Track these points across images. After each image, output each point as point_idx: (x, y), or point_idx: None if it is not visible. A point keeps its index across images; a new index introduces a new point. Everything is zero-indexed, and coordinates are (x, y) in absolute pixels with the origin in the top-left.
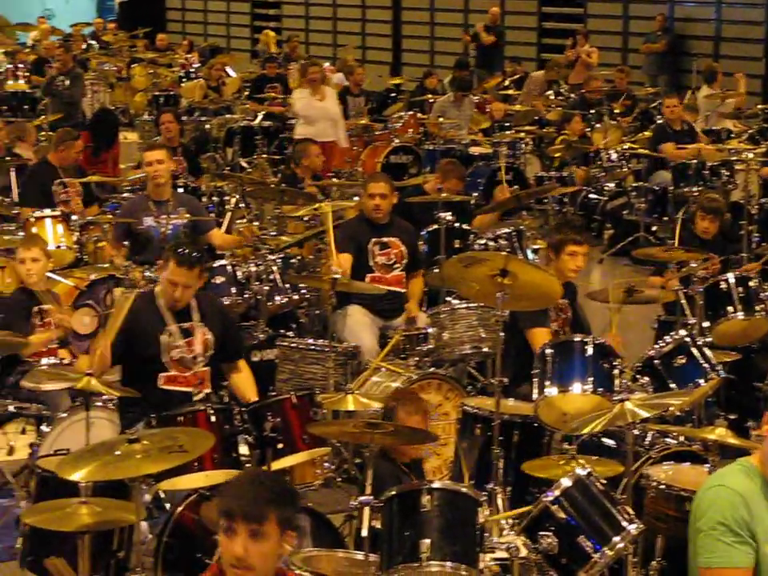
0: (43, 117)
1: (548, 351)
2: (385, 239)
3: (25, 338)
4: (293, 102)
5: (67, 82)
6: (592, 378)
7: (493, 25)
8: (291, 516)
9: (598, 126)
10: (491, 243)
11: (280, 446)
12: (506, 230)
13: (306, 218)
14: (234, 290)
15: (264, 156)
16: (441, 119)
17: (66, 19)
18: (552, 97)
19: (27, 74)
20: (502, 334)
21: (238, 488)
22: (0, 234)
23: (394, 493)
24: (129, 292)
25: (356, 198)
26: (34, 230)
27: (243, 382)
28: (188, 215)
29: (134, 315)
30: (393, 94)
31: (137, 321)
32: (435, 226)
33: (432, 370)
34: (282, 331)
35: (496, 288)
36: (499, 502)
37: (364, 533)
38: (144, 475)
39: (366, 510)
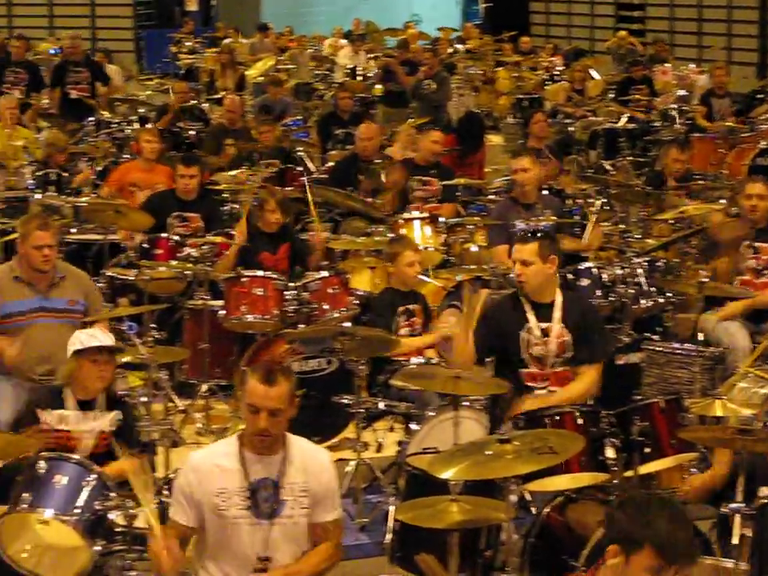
0: (411, 120)
1: None
2: (756, 244)
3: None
4: None
5: (434, 86)
6: None
7: None
8: None
9: None
10: None
11: (647, 450)
12: None
13: (671, 221)
14: (599, 292)
15: (628, 158)
16: None
17: (433, 24)
18: None
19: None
20: None
21: (674, 532)
22: (371, 236)
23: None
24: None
25: (722, 201)
26: (402, 231)
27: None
28: (554, 217)
29: (498, 313)
30: (759, 95)
31: (501, 319)
32: None
33: None
34: (647, 335)
35: None
36: None
37: (735, 540)
38: (513, 475)
39: (737, 518)
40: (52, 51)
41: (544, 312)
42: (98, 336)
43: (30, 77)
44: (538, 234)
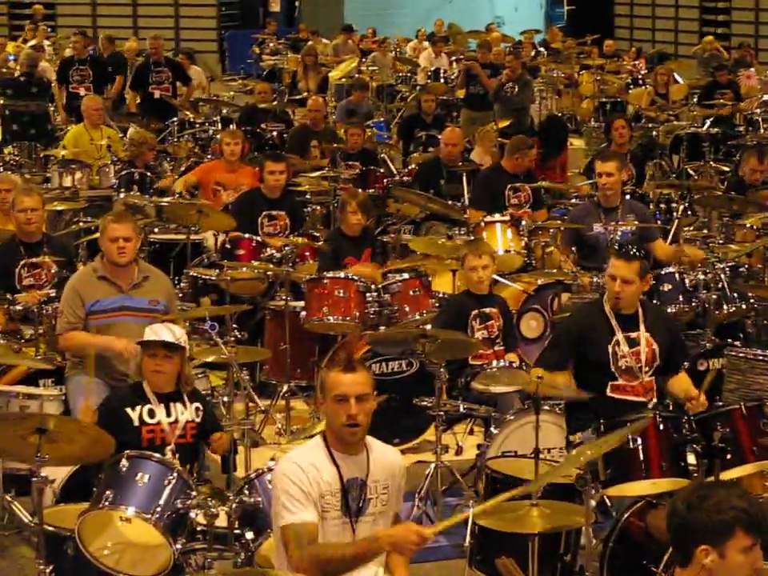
0: (493, 123)
1: None
2: None
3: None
4: None
5: (516, 89)
6: None
7: None
8: None
9: None
10: None
11: (728, 456)
12: None
13: (754, 227)
14: (681, 297)
15: (711, 163)
16: None
17: (515, 26)
18: None
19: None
20: None
21: (750, 504)
22: (453, 239)
23: None
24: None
25: None
26: (483, 234)
27: (680, 379)
28: (636, 222)
29: (585, 322)
30: None
31: (588, 328)
32: None
33: None
34: (729, 340)
35: None
36: None
37: None
38: (593, 481)
39: None
40: (11, 58)
41: (629, 323)
42: (163, 331)
43: (96, 73)
44: (634, 252)
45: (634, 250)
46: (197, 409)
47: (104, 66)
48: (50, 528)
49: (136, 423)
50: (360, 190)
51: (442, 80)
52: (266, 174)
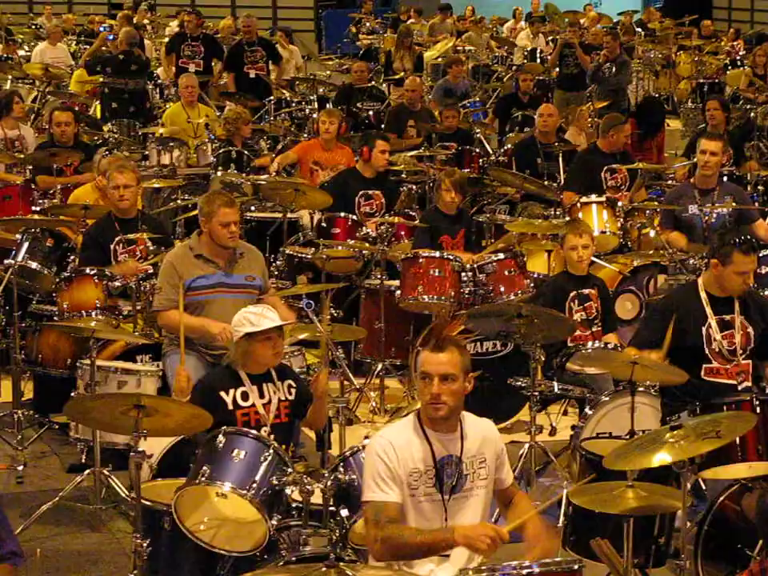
0: (590, 103)
1: None
2: None
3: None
4: None
5: (614, 69)
6: None
7: None
8: None
9: None
10: None
11: None
12: None
13: None
14: None
15: None
16: None
17: (613, 7)
18: None
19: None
20: None
21: None
22: (548, 219)
23: None
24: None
25: None
26: (579, 215)
27: None
28: (733, 204)
29: (680, 304)
30: None
31: (683, 310)
32: None
33: None
34: None
35: None
36: None
37: None
38: (690, 462)
39: None
40: (110, 37)
41: (724, 306)
42: (266, 314)
43: (208, 51)
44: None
45: (752, 241)
46: (289, 386)
47: (216, 45)
48: (147, 503)
49: (230, 407)
50: (456, 169)
51: (538, 60)
52: (377, 153)
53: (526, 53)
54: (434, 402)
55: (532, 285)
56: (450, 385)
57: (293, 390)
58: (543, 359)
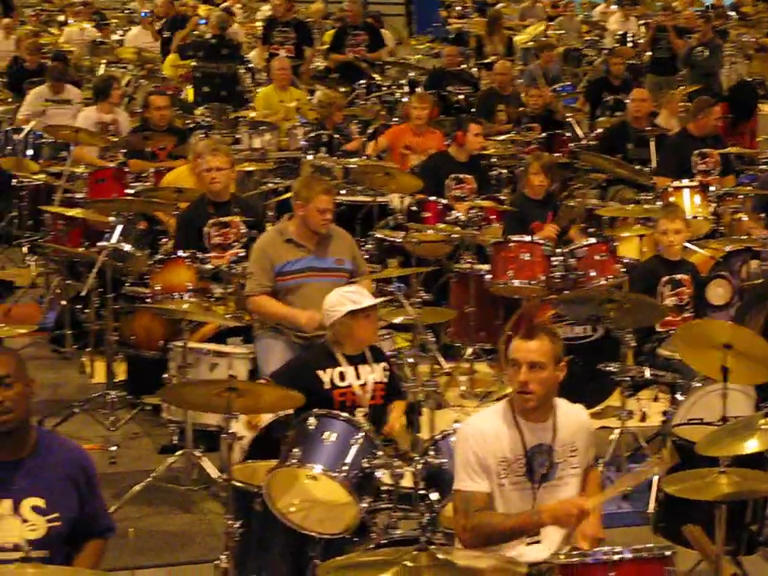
0: (682, 87)
1: None
2: None
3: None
4: None
5: (706, 53)
6: None
7: None
8: None
9: None
10: None
11: None
12: None
13: None
14: None
15: None
16: None
17: None
18: None
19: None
20: None
21: None
22: (640, 204)
23: None
24: None
25: None
26: (671, 199)
27: None
28: None
29: None
30: None
31: None
32: None
33: None
34: None
35: None
36: None
37: None
38: None
39: None
40: (202, 21)
41: None
42: (364, 293)
43: (299, 35)
44: None
45: None
46: (384, 369)
47: (307, 30)
48: (239, 484)
49: (327, 386)
50: (544, 152)
51: (629, 44)
52: (472, 137)
53: (617, 36)
54: (522, 390)
55: (623, 269)
56: (539, 373)
57: (387, 373)
58: (634, 344)
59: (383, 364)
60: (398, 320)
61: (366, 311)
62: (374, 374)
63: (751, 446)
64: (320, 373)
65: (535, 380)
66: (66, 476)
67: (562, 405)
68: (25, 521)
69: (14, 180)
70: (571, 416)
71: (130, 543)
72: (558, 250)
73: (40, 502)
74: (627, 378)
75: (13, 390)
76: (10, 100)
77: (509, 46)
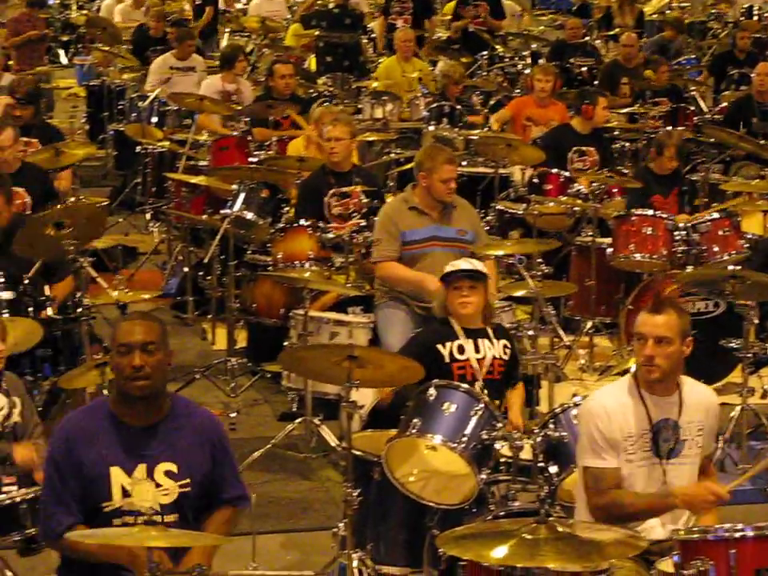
0: None
1: None
2: None
3: None
4: None
5: None
6: None
7: None
8: None
9: None
10: None
11: None
12: None
13: None
14: None
15: None
16: None
17: None
18: None
19: None
20: None
21: None
22: (764, 179)
23: None
24: None
25: None
26: None
27: None
28: None
29: None
30: None
31: None
32: None
33: None
34: None
35: None
36: None
37: None
38: None
39: None
40: None
41: None
42: (462, 263)
43: (418, 6)
44: None
45: None
46: (504, 346)
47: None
48: (358, 453)
49: (447, 360)
50: (677, 131)
51: (755, 17)
52: (600, 110)
53: (742, 10)
54: (647, 363)
55: (747, 245)
56: (665, 348)
57: (507, 351)
58: (757, 321)
59: (504, 342)
60: (519, 293)
61: (454, 283)
62: (493, 349)
63: None
64: (439, 347)
65: (661, 355)
66: (198, 441)
67: (689, 381)
68: (158, 485)
69: (138, 147)
70: (700, 395)
71: (251, 509)
72: (681, 225)
73: (173, 467)
74: (749, 355)
75: (154, 357)
76: (135, 67)
77: (639, 18)
